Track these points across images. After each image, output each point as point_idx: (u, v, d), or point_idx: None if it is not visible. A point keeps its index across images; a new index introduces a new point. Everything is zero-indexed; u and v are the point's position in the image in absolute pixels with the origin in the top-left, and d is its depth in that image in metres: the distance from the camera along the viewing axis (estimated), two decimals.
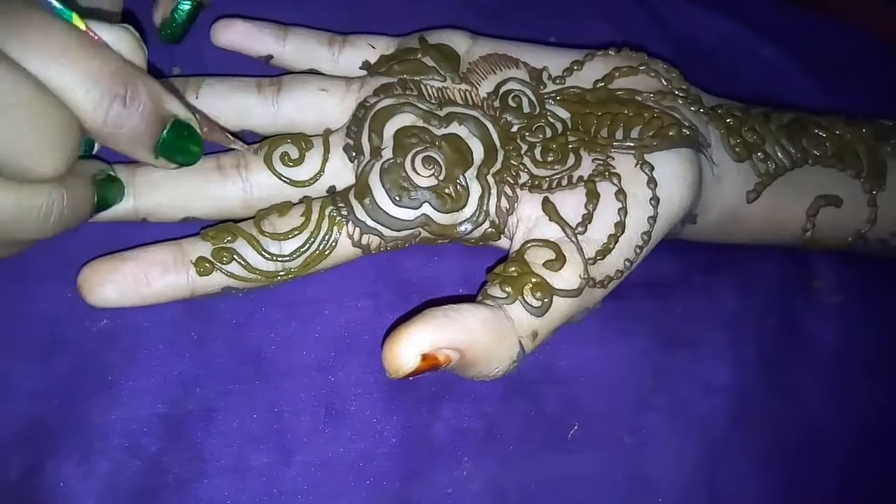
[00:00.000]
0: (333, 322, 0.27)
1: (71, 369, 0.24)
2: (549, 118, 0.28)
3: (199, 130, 0.23)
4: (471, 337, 0.23)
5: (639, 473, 0.28)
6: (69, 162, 0.20)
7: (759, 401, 0.31)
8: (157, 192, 0.26)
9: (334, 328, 0.27)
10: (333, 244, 0.26)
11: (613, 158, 0.27)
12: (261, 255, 0.25)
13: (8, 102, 0.19)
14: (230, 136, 0.26)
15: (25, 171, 0.20)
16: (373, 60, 0.30)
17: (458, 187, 0.27)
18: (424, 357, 0.22)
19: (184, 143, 0.23)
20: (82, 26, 0.21)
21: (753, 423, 0.30)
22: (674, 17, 0.37)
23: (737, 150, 0.29)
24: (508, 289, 0.24)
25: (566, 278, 0.25)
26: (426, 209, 0.26)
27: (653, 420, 0.29)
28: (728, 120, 0.30)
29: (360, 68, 0.30)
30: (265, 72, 0.29)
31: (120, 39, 0.21)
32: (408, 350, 0.22)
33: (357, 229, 0.26)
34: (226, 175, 0.26)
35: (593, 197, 0.26)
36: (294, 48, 0.30)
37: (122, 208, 0.25)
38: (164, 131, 0.22)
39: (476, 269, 0.28)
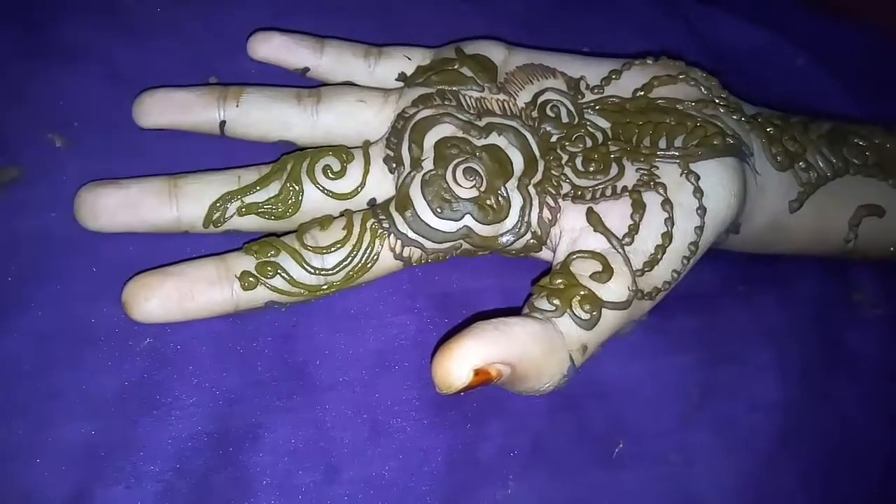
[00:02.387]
0: (376, 337, 0.26)
1: (118, 388, 0.24)
2: (588, 128, 0.28)
3: None
4: (522, 351, 0.22)
5: (685, 491, 0.28)
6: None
7: (803, 416, 0.30)
8: (201, 203, 0.25)
9: (377, 343, 0.26)
10: (375, 257, 0.25)
11: (657, 168, 0.27)
12: (304, 268, 0.24)
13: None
14: None
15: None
16: (409, 72, 0.29)
17: (500, 198, 0.26)
18: (477, 372, 0.21)
19: None
20: None
21: (799, 438, 0.30)
22: (706, 26, 0.37)
23: (778, 158, 0.29)
24: (556, 301, 0.24)
25: (614, 290, 0.24)
26: (468, 221, 0.26)
27: (698, 437, 0.28)
28: (769, 129, 0.29)
29: (396, 80, 0.30)
30: (300, 84, 0.29)
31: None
32: (460, 365, 0.21)
33: (399, 242, 0.25)
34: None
35: (639, 207, 0.26)
36: (330, 60, 0.29)
37: (165, 220, 0.25)
38: None
39: (516, 281, 0.27)
